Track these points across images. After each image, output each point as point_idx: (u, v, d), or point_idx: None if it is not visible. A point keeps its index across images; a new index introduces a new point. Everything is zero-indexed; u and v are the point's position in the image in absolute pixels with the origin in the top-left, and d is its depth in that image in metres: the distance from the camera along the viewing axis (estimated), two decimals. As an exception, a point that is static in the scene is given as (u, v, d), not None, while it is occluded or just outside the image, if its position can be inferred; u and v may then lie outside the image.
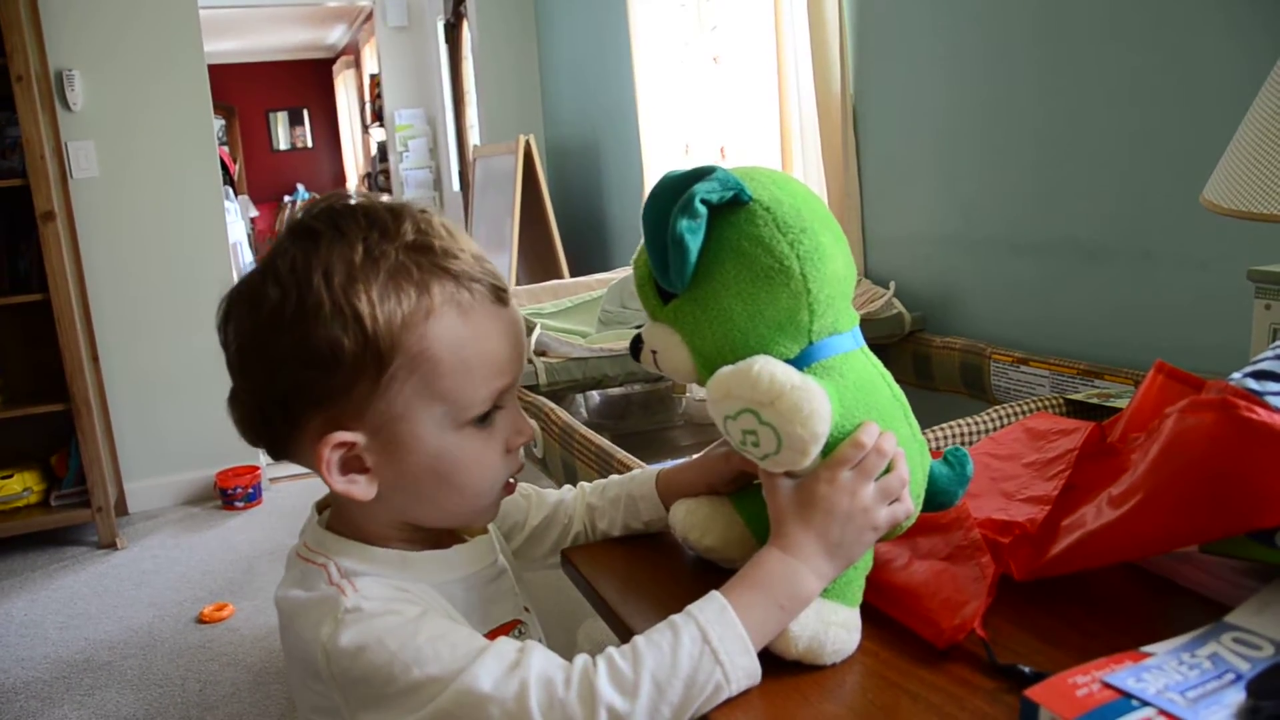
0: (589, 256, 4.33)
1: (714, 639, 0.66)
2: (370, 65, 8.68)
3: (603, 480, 0.98)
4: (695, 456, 0.94)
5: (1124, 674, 0.61)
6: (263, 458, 3.93)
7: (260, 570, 3.12)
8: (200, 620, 2.78)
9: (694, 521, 0.86)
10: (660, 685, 0.64)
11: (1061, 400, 1.48)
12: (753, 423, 0.67)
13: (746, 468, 0.88)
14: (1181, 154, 1.62)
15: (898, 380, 0.82)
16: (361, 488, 0.73)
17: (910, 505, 0.75)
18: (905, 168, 2.34)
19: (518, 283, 3.92)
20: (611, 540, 0.96)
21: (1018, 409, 1.44)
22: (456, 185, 6.28)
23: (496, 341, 0.74)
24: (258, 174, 11.27)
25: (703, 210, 0.69)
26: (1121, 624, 0.74)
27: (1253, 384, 0.74)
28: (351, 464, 0.73)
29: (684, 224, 0.68)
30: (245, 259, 6.96)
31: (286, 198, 10.99)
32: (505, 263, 3.89)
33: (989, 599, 0.75)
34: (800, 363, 0.71)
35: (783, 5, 2.51)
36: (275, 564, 3.17)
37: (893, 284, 2.25)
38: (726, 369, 0.69)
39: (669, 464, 0.97)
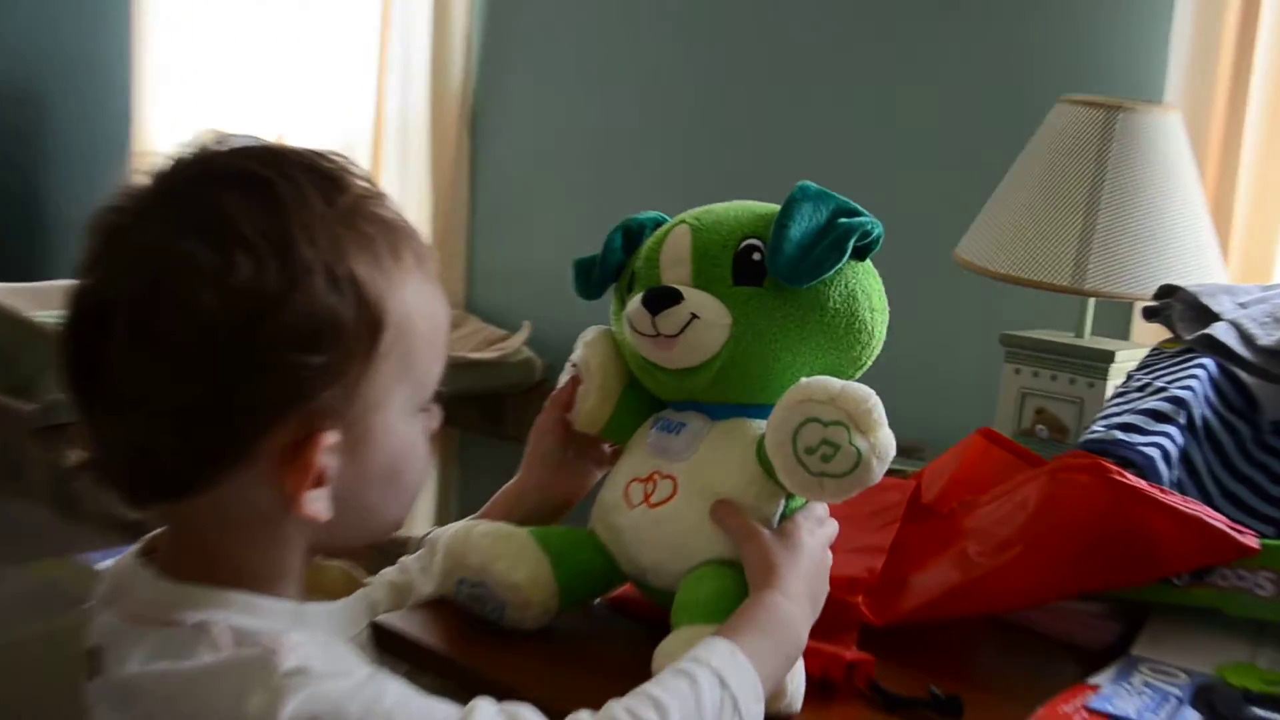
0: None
1: (733, 686, 0.74)
2: None
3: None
4: (510, 484, 1.02)
5: (1100, 700, 0.82)
6: None
7: None
8: None
9: (503, 551, 0.91)
10: None
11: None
12: (842, 439, 0.80)
13: (575, 492, 1.01)
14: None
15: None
16: (324, 507, 0.73)
17: None
18: (534, 187, 2.54)
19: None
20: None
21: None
22: None
23: (445, 307, 0.80)
24: None
25: (871, 243, 0.89)
26: (983, 668, 0.97)
27: (1120, 435, 1.01)
28: (319, 477, 0.72)
29: (854, 241, 0.87)
30: None
31: None
32: None
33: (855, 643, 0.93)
34: None
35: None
36: None
37: (527, 325, 2.42)
38: (834, 380, 0.82)
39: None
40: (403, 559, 1.03)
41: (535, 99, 2.53)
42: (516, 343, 2.36)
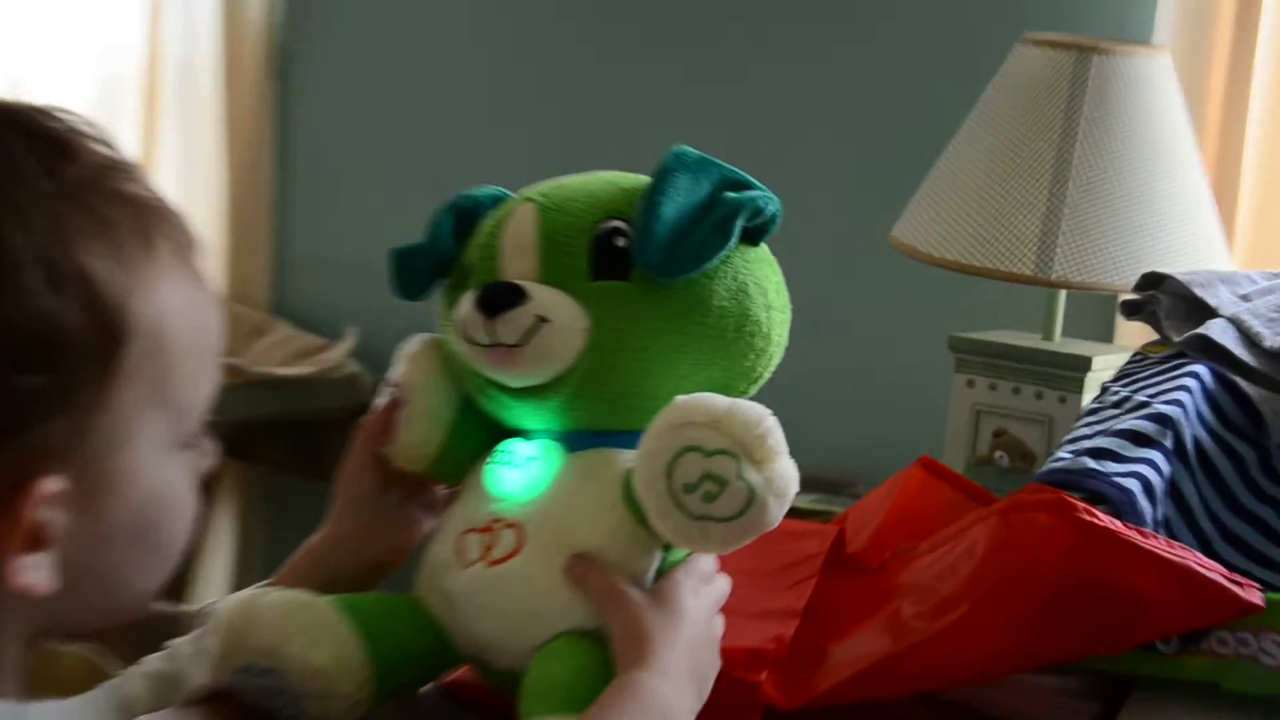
0: None
1: None
2: None
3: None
4: (314, 540, 1.01)
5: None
6: None
7: None
8: None
9: (298, 626, 0.90)
10: None
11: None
12: (729, 472, 0.80)
13: (398, 547, 1.00)
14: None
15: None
16: (45, 576, 0.71)
17: None
18: (359, 153, 2.51)
19: None
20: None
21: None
22: None
23: (216, 312, 0.78)
24: None
25: (765, 224, 0.90)
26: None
27: (1091, 463, 1.01)
28: (36, 537, 0.70)
29: (739, 224, 0.88)
30: None
31: None
32: None
33: None
34: None
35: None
36: None
37: (351, 332, 2.40)
38: (722, 399, 0.83)
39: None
40: (173, 642, 1.01)
41: (359, 39, 2.51)
42: (338, 355, 2.34)
